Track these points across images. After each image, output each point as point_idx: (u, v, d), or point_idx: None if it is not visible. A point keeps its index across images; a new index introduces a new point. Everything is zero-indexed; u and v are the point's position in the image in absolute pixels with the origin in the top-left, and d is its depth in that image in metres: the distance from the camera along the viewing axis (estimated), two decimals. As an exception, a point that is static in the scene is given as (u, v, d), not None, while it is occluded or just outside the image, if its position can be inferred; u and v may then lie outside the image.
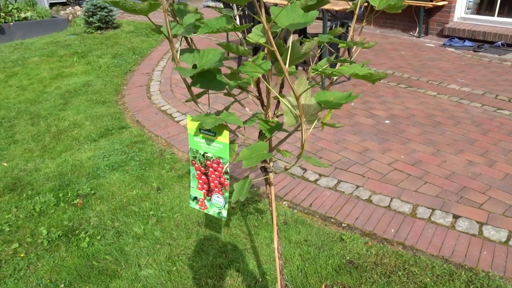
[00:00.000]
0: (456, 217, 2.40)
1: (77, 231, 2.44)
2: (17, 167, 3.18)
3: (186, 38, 1.08)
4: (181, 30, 0.99)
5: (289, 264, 2.13)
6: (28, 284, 2.09)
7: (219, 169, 1.17)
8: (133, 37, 7.05)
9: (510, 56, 5.39)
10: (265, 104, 1.19)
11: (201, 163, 1.20)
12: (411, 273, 2.04)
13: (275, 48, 0.77)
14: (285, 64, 0.90)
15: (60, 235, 2.41)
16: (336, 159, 3.06)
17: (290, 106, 0.96)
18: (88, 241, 2.35)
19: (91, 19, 7.28)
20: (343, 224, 2.41)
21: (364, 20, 1.15)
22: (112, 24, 7.55)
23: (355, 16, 1.17)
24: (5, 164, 3.23)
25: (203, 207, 1.26)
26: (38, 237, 2.41)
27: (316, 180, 2.82)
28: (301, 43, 1.09)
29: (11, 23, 7.20)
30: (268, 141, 1.24)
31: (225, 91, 1.21)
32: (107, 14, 7.35)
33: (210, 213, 1.24)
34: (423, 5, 6.28)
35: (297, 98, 0.85)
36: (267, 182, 1.36)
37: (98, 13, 7.26)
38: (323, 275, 2.05)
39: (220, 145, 1.13)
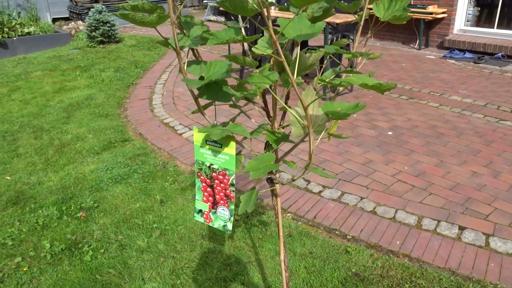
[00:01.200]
0: (462, 228, 2.38)
1: (80, 245, 2.43)
2: (20, 181, 3.17)
3: (193, 50, 1.09)
4: (188, 42, 0.99)
5: (294, 277, 2.11)
6: (30, 299, 2.07)
7: (225, 181, 1.17)
8: (135, 51, 7.11)
9: (510, 68, 5.42)
10: (271, 115, 1.19)
11: (207, 175, 1.20)
12: (418, 286, 2.02)
13: (283, 58, 0.77)
14: (293, 74, 0.91)
15: (63, 248, 2.40)
16: (339, 171, 3.05)
17: (298, 117, 0.96)
18: (91, 254, 2.34)
19: (93, 33, 7.35)
20: (348, 236, 2.39)
21: (370, 32, 1.16)
22: (114, 38, 7.62)
23: (360, 27, 1.18)
24: (8, 178, 3.23)
25: (208, 220, 1.25)
26: (41, 251, 2.39)
27: (320, 192, 2.81)
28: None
29: (14, 38, 7.27)
30: (274, 152, 1.23)
31: (231, 102, 1.21)
32: (109, 28, 7.43)
33: (215, 226, 1.23)
34: (423, 17, 6.33)
35: (305, 109, 0.85)
36: (273, 194, 1.35)
37: (101, 27, 7.34)
38: (329, 288, 2.03)
39: (227, 156, 1.13)
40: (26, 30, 7.60)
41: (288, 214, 2.61)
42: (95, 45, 7.43)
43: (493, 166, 3.03)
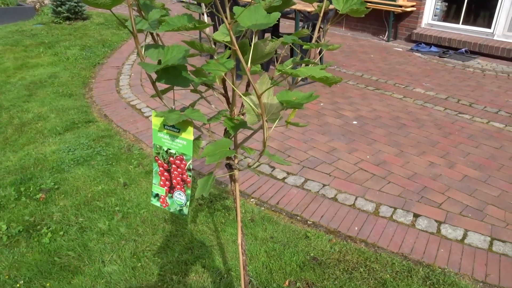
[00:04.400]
0: (416, 216, 2.50)
1: (38, 227, 2.38)
2: (-24, 160, 3.06)
3: (151, 34, 1.08)
4: (146, 25, 0.99)
5: (254, 261, 2.16)
6: (-16, 281, 2.03)
7: (182, 165, 1.18)
8: (103, 29, 6.89)
9: (472, 63, 5.62)
10: (231, 101, 1.20)
11: (164, 160, 1.20)
12: (372, 270, 2.11)
13: (236, 47, 0.78)
14: (247, 63, 0.92)
15: (21, 230, 2.35)
16: (304, 158, 3.11)
17: (252, 105, 0.98)
18: (50, 236, 2.30)
19: (59, 8, 7.06)
20: (308, 222, 2.46)
21: (329, 23, 1.18)
22: (81, 15, 7.35)
23: (320, 18, 1.20)
24: (-37, 157, 3.10)
25: (164, 204, 1.26)
26: (-4, 233, 2.33)
27: (284, 178, 2.86)
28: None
29: (-26, 10, 6.90)
30: (233, 138, 1.25)
31: (192, 87, 1.21)
32: (76, 4, 7.15)
33: (171, 210, 1.25)
34: (392, 10, 6.44)
35: (259, 97, 0.87)
36: (232, 179, 1.37)
37: (67, 3, 7.05)
38: (287, 271, 2.09)
39: (184, 141, 1.14)
40: (-14, 1, 7.21)
41: (251, 200, 2.64)
42: (61, 21, 7.15)
43: (449, 157, 3.17)
